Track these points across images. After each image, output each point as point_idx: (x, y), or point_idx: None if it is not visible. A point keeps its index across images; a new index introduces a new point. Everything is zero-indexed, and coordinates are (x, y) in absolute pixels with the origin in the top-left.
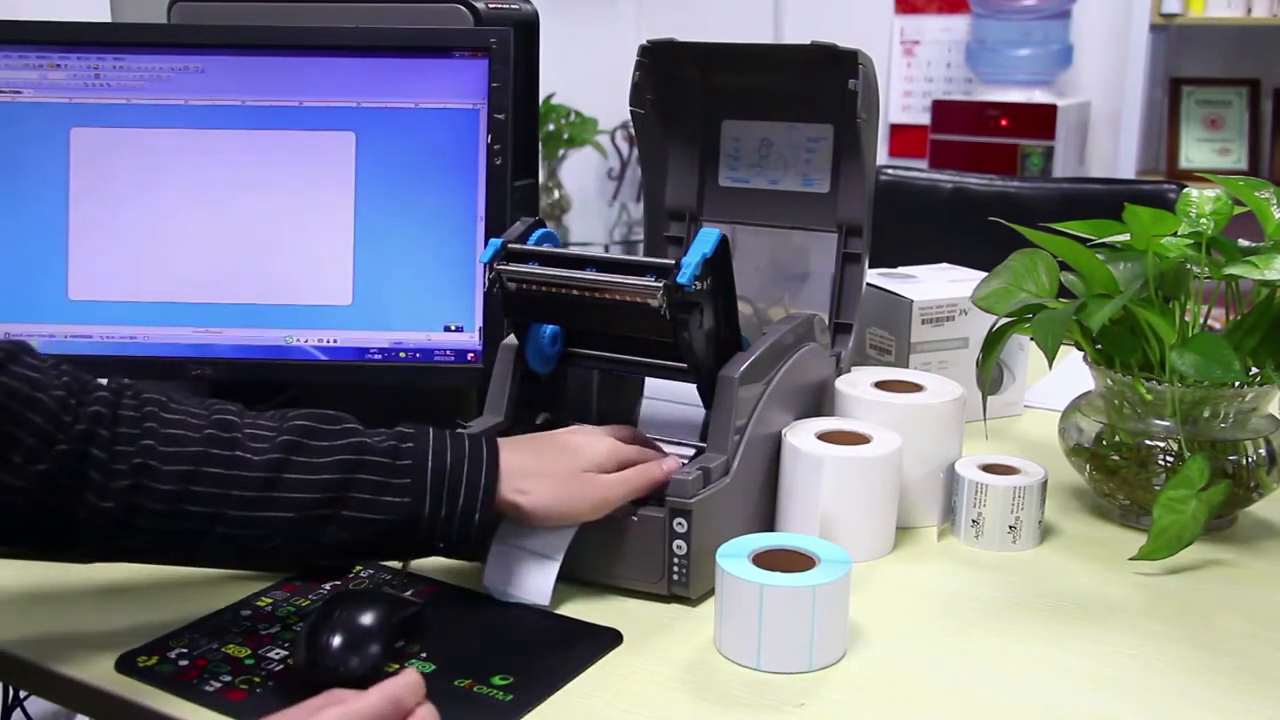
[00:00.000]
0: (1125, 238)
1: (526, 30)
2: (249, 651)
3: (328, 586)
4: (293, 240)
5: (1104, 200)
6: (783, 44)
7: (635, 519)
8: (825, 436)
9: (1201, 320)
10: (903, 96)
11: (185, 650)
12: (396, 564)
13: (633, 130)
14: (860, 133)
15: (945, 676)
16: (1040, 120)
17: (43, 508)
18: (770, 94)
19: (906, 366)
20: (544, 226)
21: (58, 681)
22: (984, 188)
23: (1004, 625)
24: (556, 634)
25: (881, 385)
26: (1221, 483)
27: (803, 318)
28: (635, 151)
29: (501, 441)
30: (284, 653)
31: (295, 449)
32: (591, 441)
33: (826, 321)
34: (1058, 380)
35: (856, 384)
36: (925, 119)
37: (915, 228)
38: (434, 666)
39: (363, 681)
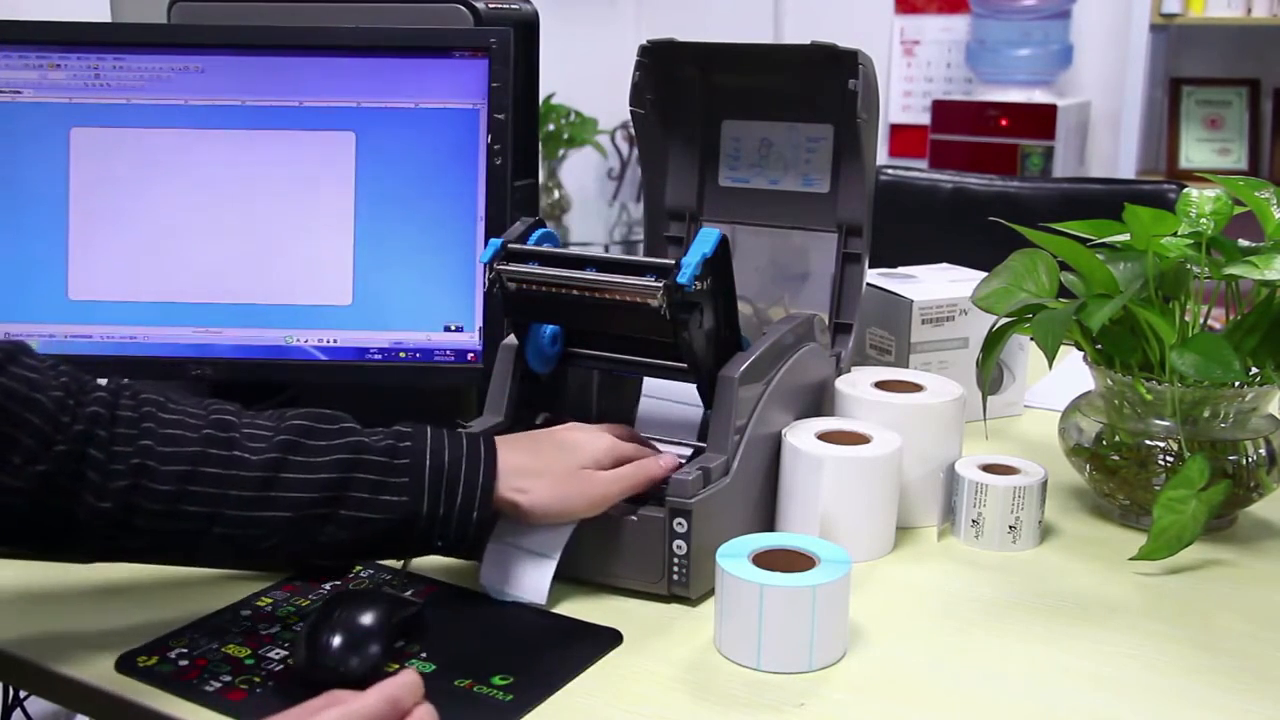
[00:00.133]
0: (1125, 238)
1: (526, 30)
2: (249, 651)
3: (328, 586)
4: (293, 240)
5: (1104, 200)
6: (783, 44)
7: (635, 519)
8: (825, 436)
9: (1201, 320)
10: (903, 96)
11: (185, 650)
12: (396, 564)
13: (633, 130)
14: (860, 133)
15: (945, 676)
16: (1040, 120)
17: (41, 508)
18: (770, 94)
19: (906, 366)
20: (544, 226)
21: (58, 681)
22: (984, 188)
23: (1004, 625)
24: (556, 634)
25: (881, 385)
26: (1221, 483)
27: (803, 318)
28: (635, 151)
29: (499, 440)
30: (284, 653)
31: (293, 449)
32: (589, 438)
33: (826, 321)
34: (1058, 380)
35: (856, 384)
36: (925, 119)
37: (915, 228)
38: (434, 666)
39: (363, 682)
